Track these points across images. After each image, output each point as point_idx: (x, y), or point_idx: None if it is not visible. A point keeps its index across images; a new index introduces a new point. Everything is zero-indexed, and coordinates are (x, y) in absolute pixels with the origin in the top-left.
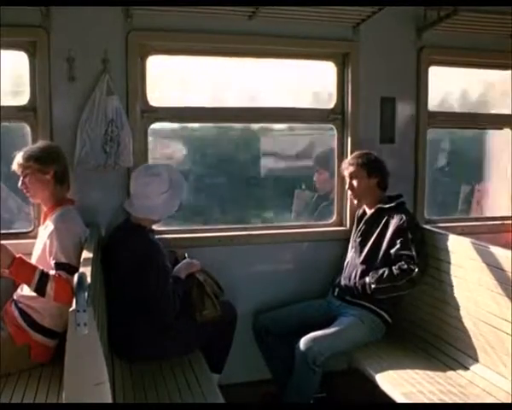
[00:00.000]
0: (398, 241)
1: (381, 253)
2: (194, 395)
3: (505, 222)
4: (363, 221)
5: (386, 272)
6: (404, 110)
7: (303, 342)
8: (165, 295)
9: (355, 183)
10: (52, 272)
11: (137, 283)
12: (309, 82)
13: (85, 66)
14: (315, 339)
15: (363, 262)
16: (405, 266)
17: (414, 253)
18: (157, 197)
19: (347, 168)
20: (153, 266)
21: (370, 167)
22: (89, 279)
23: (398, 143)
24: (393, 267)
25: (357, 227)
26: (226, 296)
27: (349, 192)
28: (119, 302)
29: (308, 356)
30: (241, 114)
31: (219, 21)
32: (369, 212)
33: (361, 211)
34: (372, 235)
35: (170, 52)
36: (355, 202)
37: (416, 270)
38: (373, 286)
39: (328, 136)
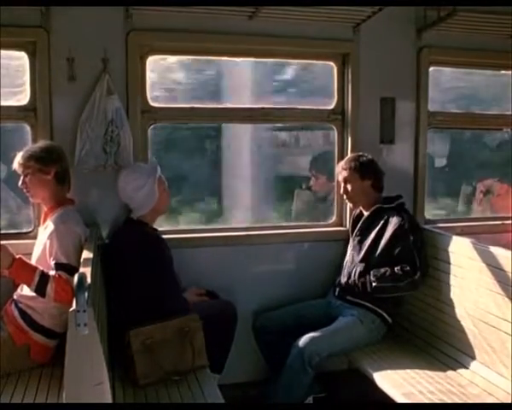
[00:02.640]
0: (400, 243)
1: (379, 251)
2: (195, 395)
3: (505, 222)
4: (361, 221)
5: (389, 272)
6: (404, 110)
7: (301, 342)
8: (169, 280)
9: (349, 187)
10: (52, 273)
11: (142, 274)
12: None
13: (85, 66)
14: (313, 339)
15: (362, 260)
16: (408, 268)
17: (416, 257)
18: (139, 192)
19: (341, 173)
20: (155, 254)
21: (363, 170)
22: (89, 279)
23: (398, 143)
24: (396, 268)
25: (354, 227)
26: (226, 296)
27: (344, 196)
28: (121, 302)
29: (304, 355)
30: (242, 114)
31: (219, 21)
32: (366, 212)
33: (357, 211)
34: (371, 234)
35: (170, 52)
36: (350, 205)
37: (419, 273)
38: (374, 284)
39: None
